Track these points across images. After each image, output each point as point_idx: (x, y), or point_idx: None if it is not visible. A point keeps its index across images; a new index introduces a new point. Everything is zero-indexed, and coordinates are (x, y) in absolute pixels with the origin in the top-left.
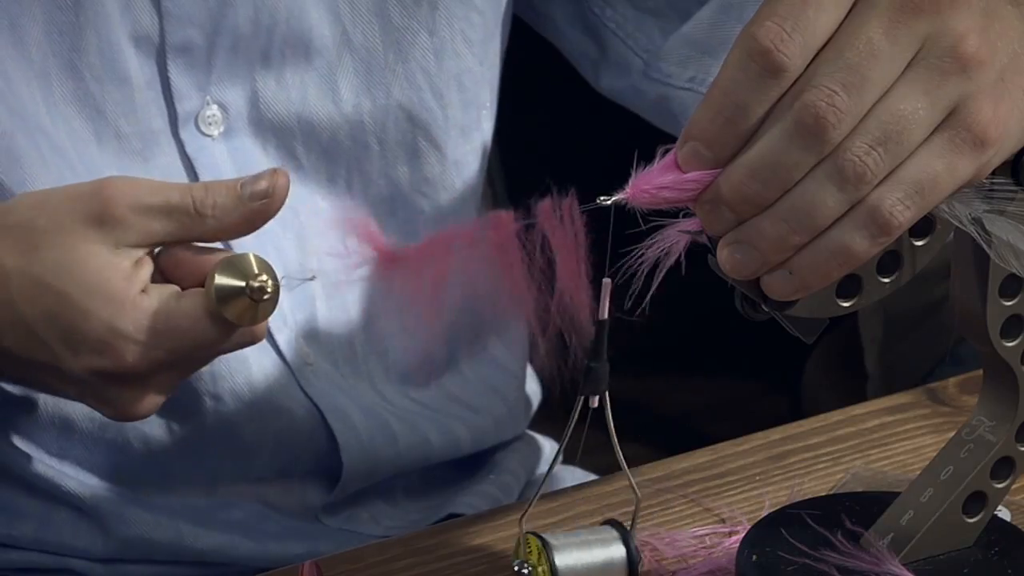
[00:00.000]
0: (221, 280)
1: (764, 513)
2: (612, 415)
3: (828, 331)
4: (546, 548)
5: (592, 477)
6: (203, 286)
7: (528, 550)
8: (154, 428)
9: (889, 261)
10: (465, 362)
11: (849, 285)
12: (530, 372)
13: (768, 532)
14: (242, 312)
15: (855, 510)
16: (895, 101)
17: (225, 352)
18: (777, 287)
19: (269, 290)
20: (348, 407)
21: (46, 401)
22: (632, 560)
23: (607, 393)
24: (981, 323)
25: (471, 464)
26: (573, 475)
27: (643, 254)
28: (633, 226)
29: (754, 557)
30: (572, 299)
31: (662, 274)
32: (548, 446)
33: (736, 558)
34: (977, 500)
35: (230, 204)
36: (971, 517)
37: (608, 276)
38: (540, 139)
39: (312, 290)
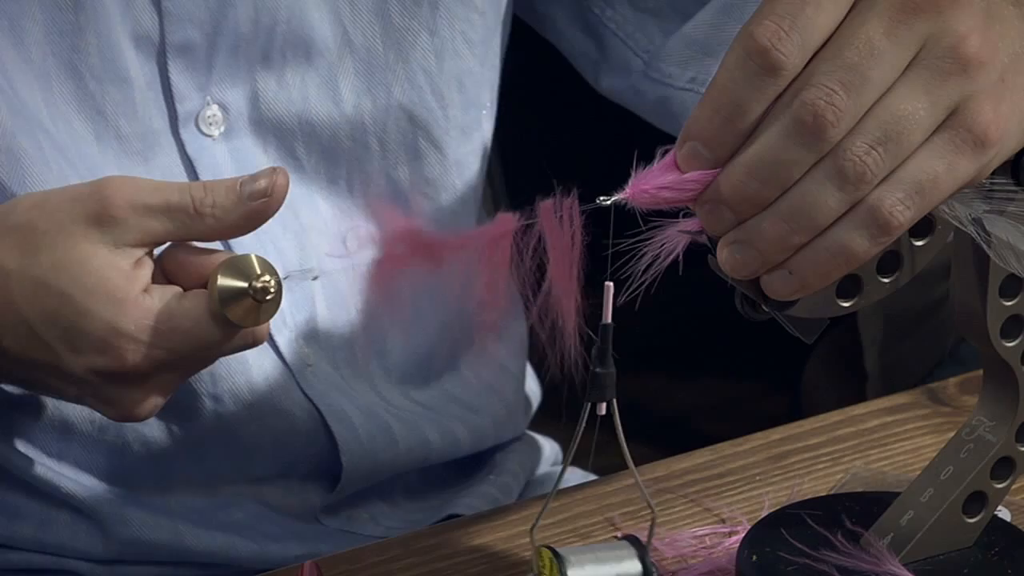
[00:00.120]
0: (224, 281)
1: (764, 513)
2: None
3: (828, 331)
4: (559, 562)
5: (592, 477)
6: (205, 287)
7: (541, 564)
8: (154, 429)
9: (889, 261)
10: (465, 362)
11: (849, 285)
12: (529, 372)
13: (768, 532)
14: (245, 313)
15: (855, 510)
16: (895, 101)
17: (227, 354)
18: (777, 287)
19: (272, 291)
20: (348, 408)
21: (46, 403)
22: None
23: (615, 400)
24: (981, 323)
25: (471, 465)
26: (573, 475)
27: (643, 254)
28: (633, 226)
29: (754, 557)
30: (562, 300)
31: (662, 274)
32: (548, 446)
33: (736, 558)
34: (977, 500)
35: (229, 204)
36: (971, 517)
37: (608, 278)
38: (540, 139)
39: (312, 291)
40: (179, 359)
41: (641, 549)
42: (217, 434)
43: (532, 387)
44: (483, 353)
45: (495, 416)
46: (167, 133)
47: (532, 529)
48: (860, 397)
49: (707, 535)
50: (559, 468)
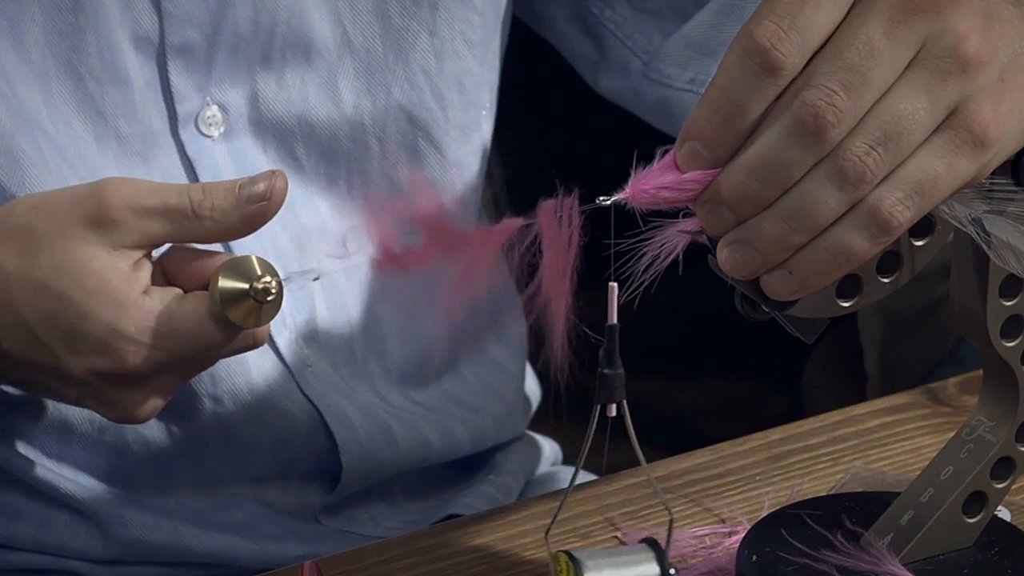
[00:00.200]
0: (225, 283)
1: (764, 513)
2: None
3: (828, 331)
4: (576, 566)
5: (592, 477)
6: (205, 289)
7: (558, 568)
8: (153, 430)
9: (889, 261)
10: (464, 362)
11: (849, 285)
12: (529, 372)
13: (768, 532)
14: (246, 314)
15: (855, 510)
16: (895, 101)
17: (227, 356)
18: (777, 287)
19: (273, 292)
20: (347, 408)
21: (46, 404)
22: None
23: (624, 402)
24: (981, 323)
25: (470, 465)
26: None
27: (643, 254)
28: (633, 226)
29: (754, 557)
30: (554, 300)
31: (662, 274)
32: (548, 446)
33: (736, 558)
34: (977, 500)
35: (228, 206)
36: (971, 517)
37: (611, 278)
38: (540, 139)
39: (312, 291)
40: (179, 361)
41: (659, 552)
42: (217, 435)
43: (532, 387)
44: (483, 353)
45: (495, 416)
46: (167, 134)
47: (547, 534)
48: (860, 397)
49: (707, 535)
50: (559, 468)
